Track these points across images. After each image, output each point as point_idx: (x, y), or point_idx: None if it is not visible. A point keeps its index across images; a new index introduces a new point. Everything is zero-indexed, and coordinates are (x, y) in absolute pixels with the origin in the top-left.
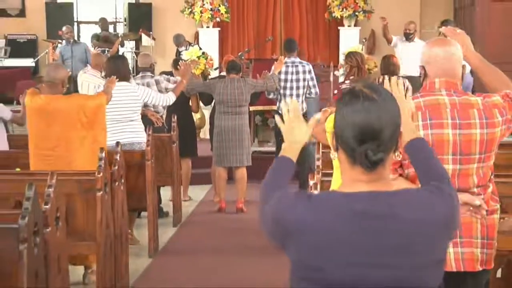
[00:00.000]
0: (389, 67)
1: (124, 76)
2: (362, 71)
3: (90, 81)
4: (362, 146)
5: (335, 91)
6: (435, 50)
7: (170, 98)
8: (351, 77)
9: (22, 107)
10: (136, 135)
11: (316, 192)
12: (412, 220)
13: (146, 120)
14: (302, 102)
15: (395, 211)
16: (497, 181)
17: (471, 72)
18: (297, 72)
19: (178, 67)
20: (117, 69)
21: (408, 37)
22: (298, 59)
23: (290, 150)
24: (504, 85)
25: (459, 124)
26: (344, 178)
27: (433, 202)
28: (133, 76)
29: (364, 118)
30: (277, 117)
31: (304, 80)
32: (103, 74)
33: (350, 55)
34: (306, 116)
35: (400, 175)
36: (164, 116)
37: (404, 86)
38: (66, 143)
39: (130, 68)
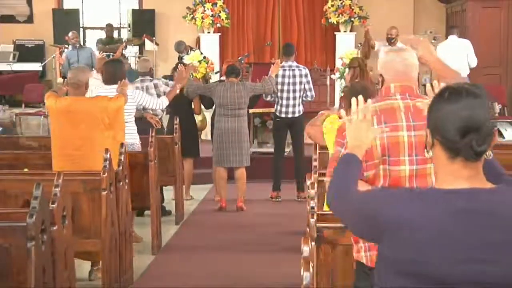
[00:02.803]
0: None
1: (120, 79)
2: (364, 73)
3: (96, 85)
4: (465, 137)
5: (342, 94)
6: (390, 55)
7: (163, 102)
8: (356, 80)
9: None
10: (130, 137)
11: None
12: None
13: (145, 122)
14: (299, 105)
15: (497, 208)
16: None
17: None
18: (294, 76)
19: (177, 70)
20: (113, 72)
21: (390, 41)
22: (295, 63)
23: (355, 150)
24: None
25: (414, 126)
26: (441, 174)
27: None
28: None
29: (469, 112)
30: (343, 115)
31: (300, 83)
32: None
33: (353, 59)
34: (298, 117)
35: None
36: (163, 119)
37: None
38: (90, 143)
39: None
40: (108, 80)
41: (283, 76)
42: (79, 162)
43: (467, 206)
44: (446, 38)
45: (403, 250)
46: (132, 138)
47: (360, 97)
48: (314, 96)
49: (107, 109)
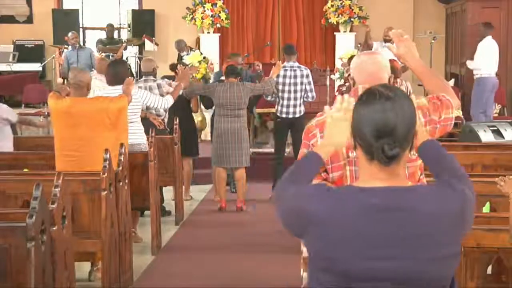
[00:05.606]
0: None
1: (123, 79)
2: None
3: (97, 85)
4: (378, 141)
5: (336, 93)
6: (361, 57)
7: (169, 101)
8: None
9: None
10: (136, 137)
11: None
12: (427, 213)
13: (148, 123)
14: (300, 105)
15: (411, 205)
16: (485, 181)
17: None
18: (295, 76)
19: (177, 71)
20: (116, 73)
21: (387, 42)
22: (296, 64)
23: (322, 149)
24: (442, 91)
25: None
26: (361, 175)
27: (445, 197)
28: (137, 80)
29: (380, 114)
30: (327, 108)
31: (301, 84)
32: None
33: (351, 57)
34: (299, 117)
35: (325, 179)
36: (166, 119)
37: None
38: (89, 144)
39: (134, 72)
40: (111, 81)
41: (284, 76)
42: (80, 163)
43: (380, 203)
44: (483, 38)
45: (320, 246)
46: (138, 138)
47: (346, 96)
48: (315, 96)
49: (108, 110)
